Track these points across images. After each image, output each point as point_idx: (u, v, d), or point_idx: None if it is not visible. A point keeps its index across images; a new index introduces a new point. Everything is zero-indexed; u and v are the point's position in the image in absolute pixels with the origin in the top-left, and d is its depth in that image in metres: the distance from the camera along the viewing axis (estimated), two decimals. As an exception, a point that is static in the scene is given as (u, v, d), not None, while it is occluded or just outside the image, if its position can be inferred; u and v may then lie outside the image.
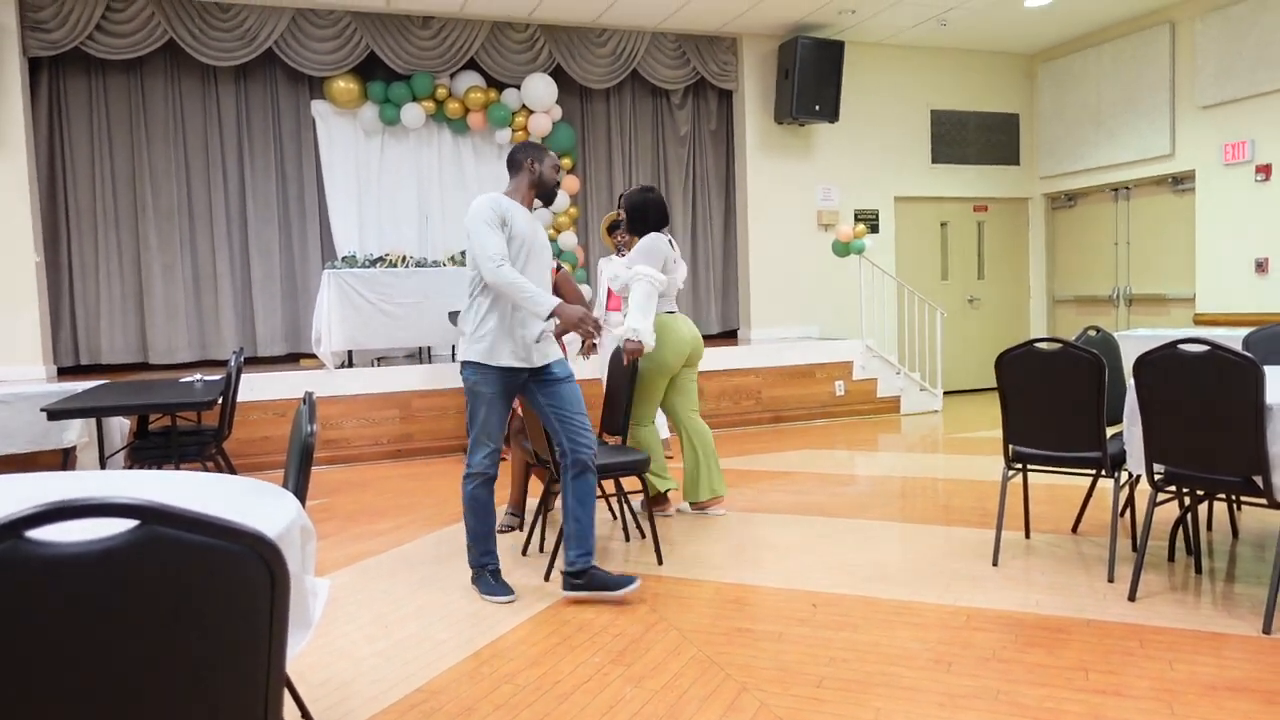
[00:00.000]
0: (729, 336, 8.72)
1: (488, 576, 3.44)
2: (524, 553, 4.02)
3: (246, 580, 1.11)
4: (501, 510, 4.45)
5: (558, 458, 3.41)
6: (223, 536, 1.08)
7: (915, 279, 8.92)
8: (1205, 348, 2.88)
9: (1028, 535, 4.04)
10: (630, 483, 4.52)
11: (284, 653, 1.19)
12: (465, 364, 3.36)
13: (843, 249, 7.79)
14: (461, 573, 3.75)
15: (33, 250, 6.45)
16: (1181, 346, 2.94)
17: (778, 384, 7.72)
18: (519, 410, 4.11)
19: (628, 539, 4.20)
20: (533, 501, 4.87)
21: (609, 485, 4.09)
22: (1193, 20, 7.51)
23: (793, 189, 8.50)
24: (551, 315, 3.18)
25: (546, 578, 3.62)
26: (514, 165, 3.45)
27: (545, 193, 3.48)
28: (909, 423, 7.67)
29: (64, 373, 6.87)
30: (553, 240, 8.10)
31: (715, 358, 7.38)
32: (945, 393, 8.59)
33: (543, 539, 4.14)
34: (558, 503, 3.94)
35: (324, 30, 7.10)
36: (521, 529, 4.37)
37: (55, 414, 4.03)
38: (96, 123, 7.04)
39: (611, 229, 5.85)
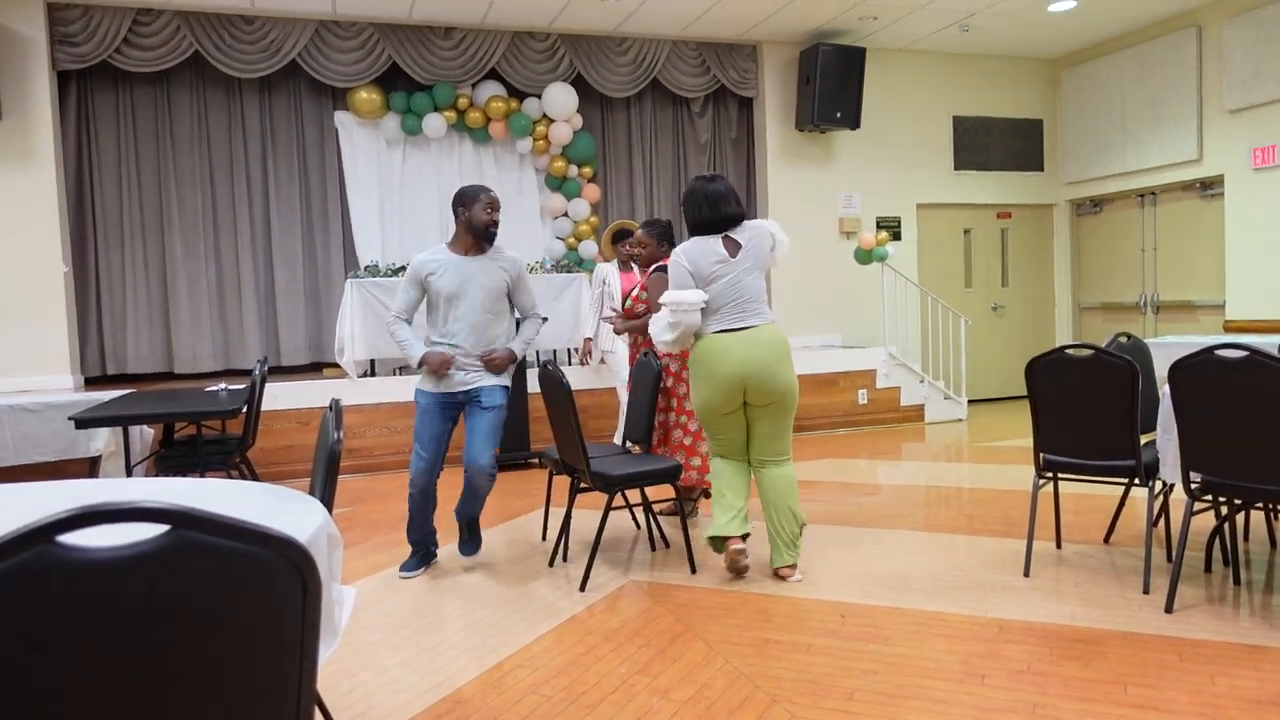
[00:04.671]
0: (750, 345, 8.66)
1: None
2: (550, 564, 4.00)
3: (278, 587, 1.09)
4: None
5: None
6: (255, 542, 1.06)
7: (938, 286, 8.85)
8: (1243, 353, 2.82)
9: (1059, 545, 3.97)
10: (664, 490, 4.48)
11: (315, 661, 1.17)
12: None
13: (865, 256, 7.74)
14: (486, 582, 3.74)
15: (61, 261, 6.52)
16: (1218, 352, 2.88)
17: (800, 392, 7.64)
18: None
19: (654, 548, 4.17)
20: (557, 510, 4.85)
21: (633, 495, 4.07)
22: (1221, 23, 7.42)
23: (814, 196, 8.47)
24: (421, 363, 3.73)
25: (582, 588, 3.59)
26: (454, 214, 3.81)
27: (480, 235, 3.77)
28: (933, 432, 7.59)
29: (91, 382, 6.93)
30: (572, 249, 8.10)
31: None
32: (970, 401, 8.50)
33: (566, 549, 4.11)
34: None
35: (347, 42, 7.16)
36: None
37: (83, 422, 4.05)
38: (123, 135, 7.12)
39: (618, 238, 5.77)
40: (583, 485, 3.82)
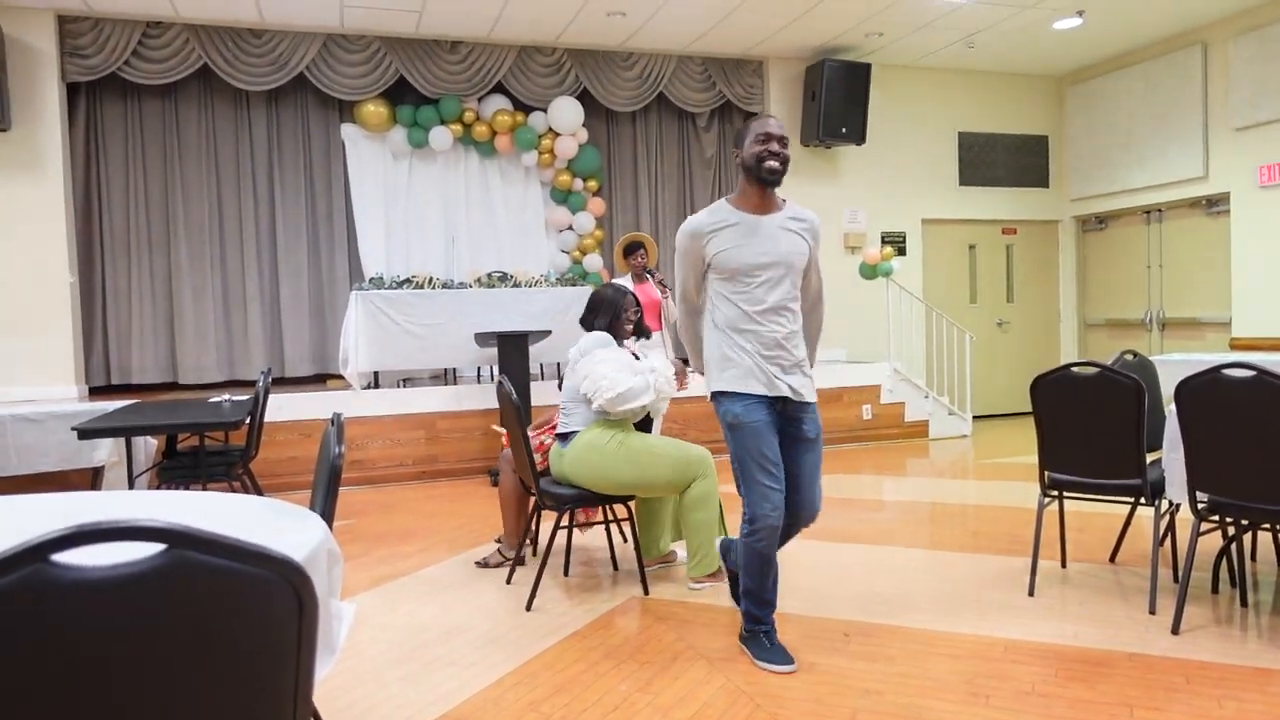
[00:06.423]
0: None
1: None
2: (537, 579, 3.97)
3: (275, 607, 1.08)
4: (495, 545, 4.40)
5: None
6: (252, 562, 1.05)
7: (943, 302, 8.83)
8: (1251, 372, 2.80)
9: (1064, 564, 3.94)
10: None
11: (311, 681, 1.16)
12: None
13: (870, 272, 7.74)
14: (486, 594, 3.72)
15: (67, 272, 6.54)
16: (1225, 371, 2.86)
17: (804, 407, 7.63)
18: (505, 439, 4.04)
19: (616, 568, 4.10)
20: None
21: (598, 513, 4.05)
22: (1226, 41, 7.43)
23: (819, 211, 8.27)
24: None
25: (528, 607, 3.53)
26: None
27: (757, 175, 2.91)
28: (938, 447, 7.56)
29: (95, 392, 6.94)
30: (577, 263, 8.10)
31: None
32: (974, 417, 8.47)
33: (567, 565, 4.08)
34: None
35: (354, 55, 7.19)
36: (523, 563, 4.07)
37: (86, 433, 4.05)
38: (131, 146, 7.16)
39: (629, 251, 5.78)
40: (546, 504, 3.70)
